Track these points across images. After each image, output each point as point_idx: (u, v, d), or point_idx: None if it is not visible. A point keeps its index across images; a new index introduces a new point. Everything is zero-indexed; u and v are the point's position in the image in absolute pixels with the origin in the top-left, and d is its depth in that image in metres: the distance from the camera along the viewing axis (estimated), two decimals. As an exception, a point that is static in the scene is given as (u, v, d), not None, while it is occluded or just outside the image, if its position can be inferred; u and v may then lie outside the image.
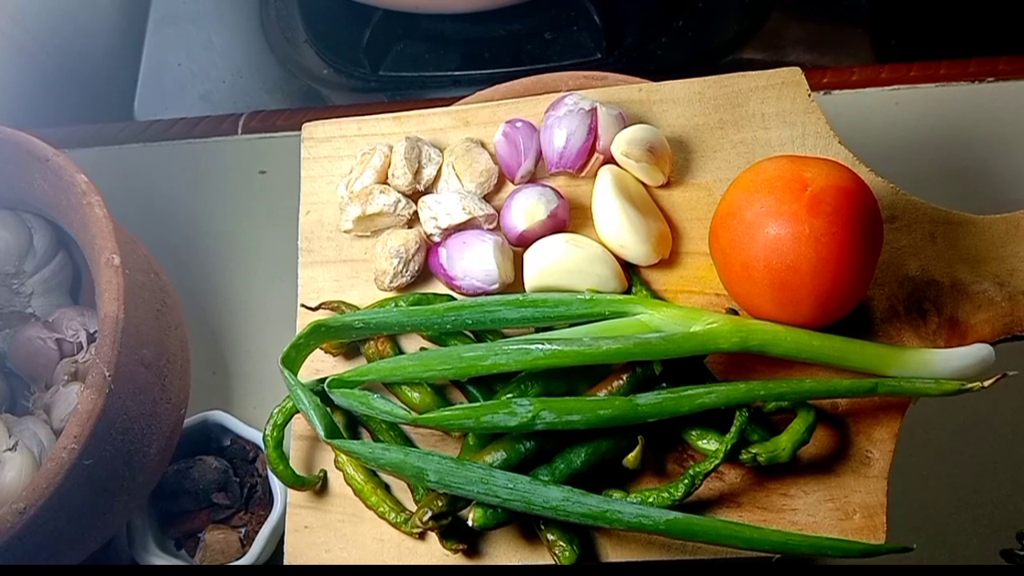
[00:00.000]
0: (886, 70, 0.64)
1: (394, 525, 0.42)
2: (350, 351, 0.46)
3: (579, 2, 0.72)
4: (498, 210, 0.47)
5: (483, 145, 0.49)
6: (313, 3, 0.79)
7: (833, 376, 0.42)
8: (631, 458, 0.40)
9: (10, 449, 0.49)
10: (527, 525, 0.42)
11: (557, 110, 0.47)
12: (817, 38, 0.72)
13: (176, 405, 0.53)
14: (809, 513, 0.41)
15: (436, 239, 0.47)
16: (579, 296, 0.43)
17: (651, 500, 0.39)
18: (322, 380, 0.43)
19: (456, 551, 0.41)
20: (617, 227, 0.44)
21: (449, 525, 0.40)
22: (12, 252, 0.56)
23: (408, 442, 0.44)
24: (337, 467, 0.44)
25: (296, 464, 0.45)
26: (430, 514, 0.40)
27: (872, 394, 0.40)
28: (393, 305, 0.45)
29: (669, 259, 0.46)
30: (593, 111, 0.47)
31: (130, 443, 0.48)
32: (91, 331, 0.54)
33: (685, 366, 0.42)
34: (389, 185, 0.48)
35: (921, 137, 0.61)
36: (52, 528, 0.45)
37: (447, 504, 0.40)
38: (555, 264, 0.44)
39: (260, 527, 0.54)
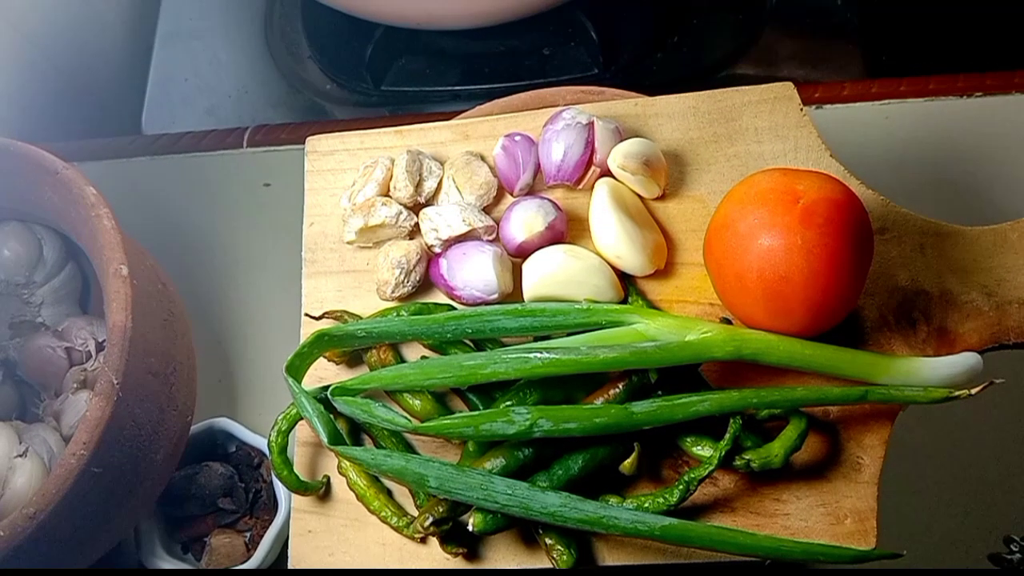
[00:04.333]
0: (877, 85, 0.64)
1: (396, 530, 0.43)
2: (353, 359, 0.47)
3: (577, 19, 0.73)
4: (497, 222, 0.48)
5: (483, 158, 0.50)
6: (316, 20, 0.79)
7: (824, 384, 0.42)
8: (627, 464, 0.41)
9: (21, 455, 0.49)
10: (526, 530, 0.42)
11: (555, 124, 0.48)
12: (809, 54, 0.73)
13: (183, 412, 0.53)
14: (801, 518, 0.41)
15: (437, 250, 0.48)
16: (576, 306, 0.43)
17: (647, 505, 0.40)
18: (325, 388, 0.44)
19: (456, 555, 0.42)
20: (614, 238, 0.45)
21: (450, 530, 0.41)
22: (23, 263, 0.57)
23: (409, 448, 0.44)
24: (340, 473, 0.44)
25: (300, 470, 0.45)
26: (431, 519, 0.40)
27: (862, 402, 0.41)
28: (395, 315, 0.46)
29: (664, 270, 0.46)
30: (590, 125, 0.47)
31: (138, 449, 0.48)
32: (100, 340, 0.55)
33: (680, 374, 0.43)
34: (391, 197, 0.49)
35: (911, 150, 0.62)
36: (61, 532, 0.45)
37: (448, 509, 0.40)
38: (553, 274, 0.45)
39: (265, 531, 0.54)
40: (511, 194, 0.49)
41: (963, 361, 0.41)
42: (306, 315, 0.48)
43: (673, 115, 0.49)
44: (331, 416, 0.43)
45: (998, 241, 0.45)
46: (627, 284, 0.46)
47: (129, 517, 0.52)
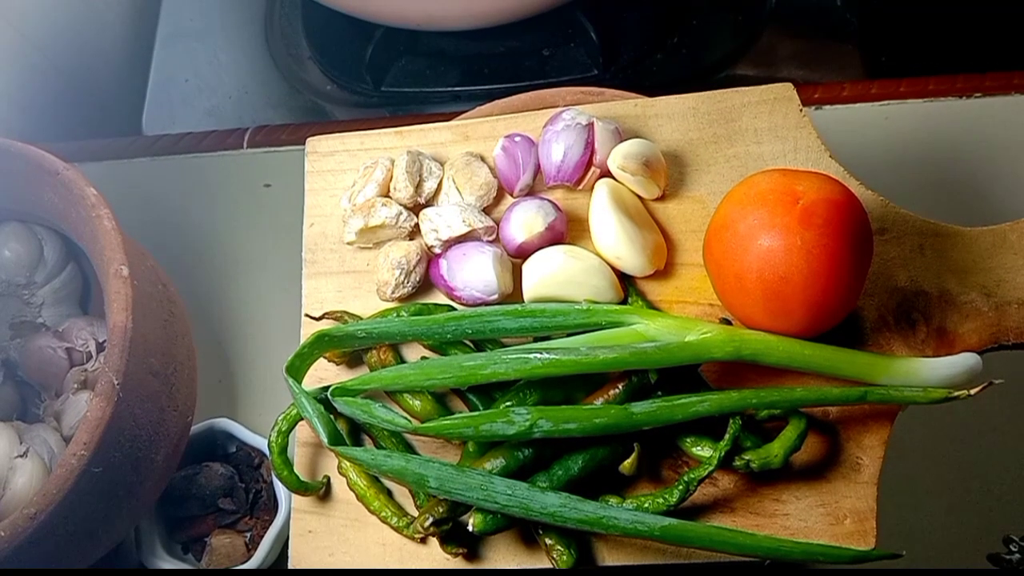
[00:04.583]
0: (876, 86, 0.64)
1: (396, 530, 0.43)
2: (353, 360, 0.47)
3: (576, 20, 0.73)
4: (497, 223, 0.48)
5: (483, 159, 0.50)
6: (317, 20, 0.79)
7: (824, 384, 0.42)
8: (627, 465, 0.41)
9: (21, 456, 0.49)
10: (526, 530, 0.42)
11: (555, 125, 0.48)
12: (809, 55, 0.73)
13: (183, 412, 0.53)
14: (801, 518, 0.41)
15: (437, 251, 0.48)
16: (576, 306, 0.43)
17: (647, 506, 0.40)
18: (325, 388, 0.44)
19: (456, 555, 0.42)
20: (614, 239, 0.45)
21: (450, 530, 0.41)
22: (23, 263, 0.57)
23: (409, 448, 0.44)
24: (340, 473, 0.45)
25: (300, 470, 0.45)
26: (431, 519, 0.40)
27: (862, 402, 0.41)
28: (395, 315, 0.46)
29: (664, 270, 0.46)
30: (590, 126, 0.48)
31: (138, 450, 0.48)
32: (100, 340, 0.55)
33: (680, 375, 0.43)
34: (391, 198, 0.49)
35: (910, 151, 0.62)
36: (62, 532, 0.46)
37: (448, 510, 0.40)
38: (553, 275, 0.45)
39: (265, 532, 0.54)
40: (511, 195, 0.49)
41: (962, 361, 0.42)
42: (306, 316, 0.48)
43: (673, 116, 0.50)
44: (331, 416, 0.43)
45: (997, 242, 0.45)
46: (627, 285, 0.46)
47: (129, 517, 0.52)
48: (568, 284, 0.45)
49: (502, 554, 0.42)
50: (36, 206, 0.55)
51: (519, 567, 0.42)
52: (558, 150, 0.47)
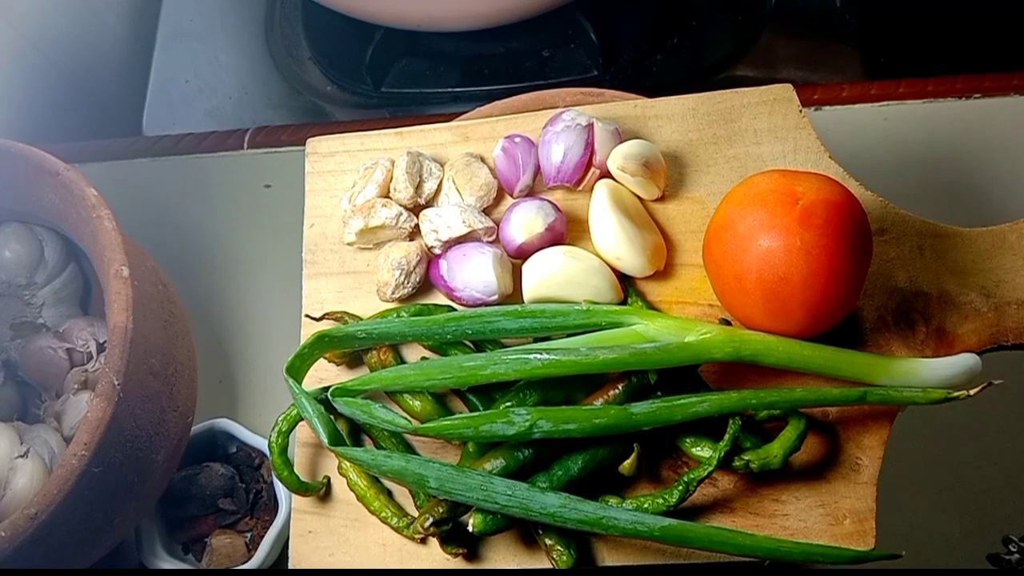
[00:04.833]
0: (875, 87, 0.64)
1: (396, 530, 0.43)
2: (353, 360, 0.47)
3: (576, 20, 0.73)
4: (497, 223, 0.48)
5: (483, 160, 0.50)
6: (317, 21, 0.80)
7: (823, 385, 0.42)
8: (627, 465, 0.41)
9: (22, 456, 0.50)
10: (526, 530, 0.42)
11: (555, 125, 0.48)
12: (808, 55, 0.73)
13: (183, 413, 0.53)
14: (800, 518, 0.41)
15: (437, 251, 0.48)
16: (576, 307, 0.43)
17: (646, 506, 0.40)
18: (326, 389, 0.44)
19: (456, 555, 0.42)
20: (613, 240, 0.45)
21: (450, 530, 0.41)
22: (24, 264, 0.57)
23: (409, 449, 0.44)
24: (340, 473, 0.45)
25: (300, 470, 0.45)
26: (431, 520, 0.40)
27: (861, 403, 0.41)
28: (395, 316, 0.46)
29: (664, 271, 0.46)
30: (590, 126, 0.48)
31: (138, 450, 0.48)
32: (100, 341, 0.55)
33: (679, 375, 0.43)
34: (391, 199, 0.49)
35: (910, 152, 0.62)
36: (62, 533, 0.46)
37: (448, 510, 0.40)
38: (553, 276, 0.45)
39: (265, 532, 0.54)
40: (511, 195, 0.49)
41: (962, 362, 0.42)
42: (306, 316, 0.48)
43: (672, 116, 0.50)
44: (331, 417, 0.43)
45: (996, 242, 0.46)
46: (627, 285, 0.46)
47: (130, 517, 0.52)
48: (568, 285, 0.45)
49: (502, 554, 0.42)
50: (37, 207, 0.55)
51: (519, 567, 0.42)
52: (558, 151, 0.47)
